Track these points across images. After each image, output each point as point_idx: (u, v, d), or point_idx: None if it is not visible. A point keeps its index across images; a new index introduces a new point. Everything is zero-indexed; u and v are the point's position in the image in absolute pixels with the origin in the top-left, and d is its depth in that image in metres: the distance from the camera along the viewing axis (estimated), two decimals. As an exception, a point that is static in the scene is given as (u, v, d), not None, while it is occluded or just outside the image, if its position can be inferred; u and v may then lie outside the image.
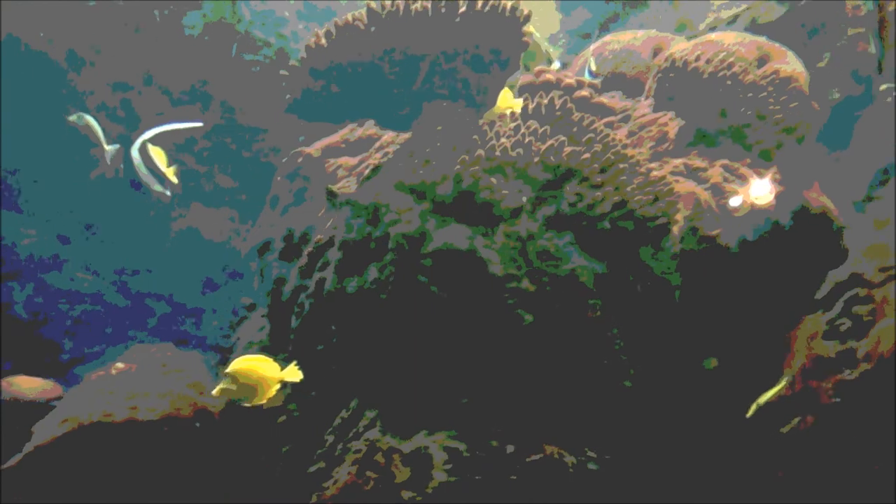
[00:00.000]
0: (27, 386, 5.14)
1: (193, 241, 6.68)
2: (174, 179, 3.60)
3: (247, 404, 3.01)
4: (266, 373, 3.00)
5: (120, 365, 4.92)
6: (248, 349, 4.78)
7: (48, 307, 6.17)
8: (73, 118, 4.10)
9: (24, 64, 6.01)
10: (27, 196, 6.22)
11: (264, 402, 3.00)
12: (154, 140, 3.63)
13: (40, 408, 4.85)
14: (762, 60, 4.42)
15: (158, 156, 3.59)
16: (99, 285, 6.39)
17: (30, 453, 4.26)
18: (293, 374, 3.06)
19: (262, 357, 3.03)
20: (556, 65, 3.98)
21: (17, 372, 5.29)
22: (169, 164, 3.63)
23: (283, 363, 3.10)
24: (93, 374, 4.89)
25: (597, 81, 4.77)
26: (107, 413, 4.38)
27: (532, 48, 3.86)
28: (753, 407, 3.48)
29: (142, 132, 3.62)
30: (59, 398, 4.97)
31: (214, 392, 2.96)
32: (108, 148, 4.01)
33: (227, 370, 2.94)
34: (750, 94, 4.23)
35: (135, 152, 3.53)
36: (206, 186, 6.87)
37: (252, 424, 4.38)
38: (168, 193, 3.59)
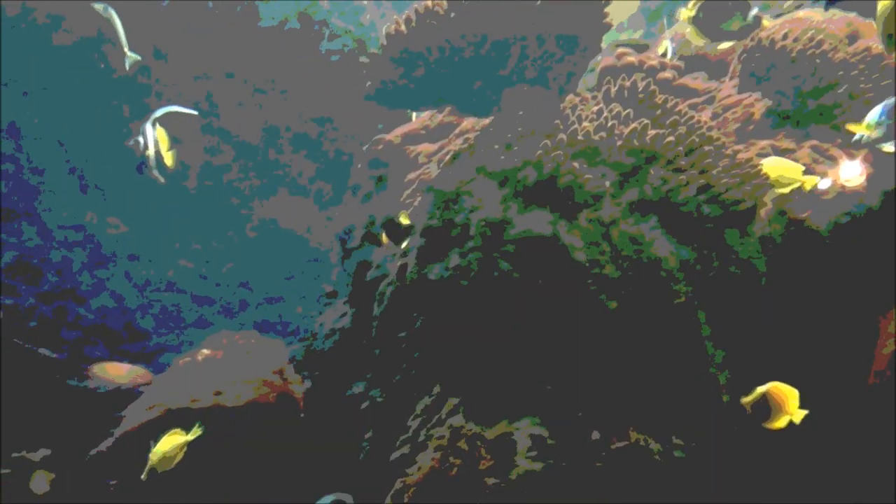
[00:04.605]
0: (117, 373, 5.28)
1: (275, 230, 6.77)
2: (170, 163, 3.56)
3: (165, 468, 3.68)
4: (178, 441, 3.70)
5: (206, 351, 5.02)
6: (330, 336, 4.83)
7: (136, 296, 6.32)
8: (98, 7, 4.05)
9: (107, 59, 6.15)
10: (110, 186, 6.36)
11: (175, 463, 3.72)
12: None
13: (130, 394, 4.97)
14: (852, 37, 4.29)
15: (161, 137, 3.56)
16: (185, 273, 6.52)
17: (120, 438, 4.38)
18: (195, 433, 3.77)
19: (172, 431, 3.72)
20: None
21: (107, 359, 5.43)
22: (169, 149, 3.60)
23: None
24: (180, 360, 5.00)
25: (679, 63, 4.69)
26: (193, 399, 4.48)
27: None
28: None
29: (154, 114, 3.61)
30: (147, 384, 5.09)
31: (143, 476, 3.59)
32: (128, 53, 4.01)
33: (152, 452, 3.62)
34: (840, 73, 4.10)
35: (148, 127, 3.50)
36: (286, 175, 6.96)
37: (335, 410, 4.43)
38: (163, 180, 3.56)
